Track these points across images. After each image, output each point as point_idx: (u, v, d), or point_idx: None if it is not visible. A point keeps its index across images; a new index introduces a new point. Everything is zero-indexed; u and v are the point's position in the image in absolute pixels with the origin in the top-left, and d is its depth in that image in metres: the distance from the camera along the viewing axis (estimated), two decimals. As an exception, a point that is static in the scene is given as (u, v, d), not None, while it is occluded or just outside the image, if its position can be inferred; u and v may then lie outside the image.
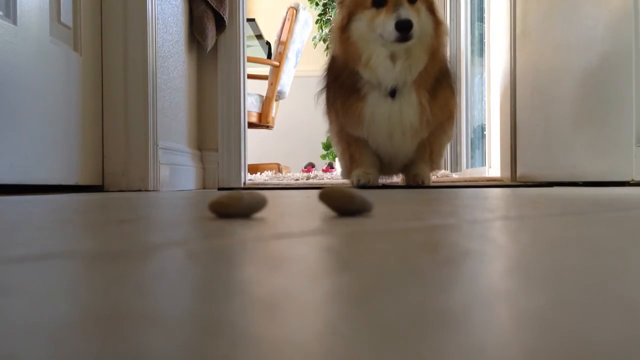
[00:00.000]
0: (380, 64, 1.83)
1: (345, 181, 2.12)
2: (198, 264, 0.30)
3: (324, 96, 2.02)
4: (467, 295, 0.22)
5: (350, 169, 1.99)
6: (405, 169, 2.04)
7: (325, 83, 2.02)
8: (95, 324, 0.18)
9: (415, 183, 2.01)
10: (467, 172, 3.41)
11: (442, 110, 1.93)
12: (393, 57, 1.83)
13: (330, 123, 2.05)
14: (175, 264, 0.31)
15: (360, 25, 1.84)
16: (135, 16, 1.79)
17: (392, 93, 1.85)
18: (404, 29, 1.73)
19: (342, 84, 1.92)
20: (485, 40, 2.95)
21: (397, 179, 2.27)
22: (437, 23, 1.90)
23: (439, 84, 1.92)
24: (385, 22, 1.77)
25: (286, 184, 2.40)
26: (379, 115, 1.87)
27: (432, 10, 1.90)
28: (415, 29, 1.76)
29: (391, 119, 1.87)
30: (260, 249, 0.36)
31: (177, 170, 2.05)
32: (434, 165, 2.12)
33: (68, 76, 1.59)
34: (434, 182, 2.19)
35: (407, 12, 1.76)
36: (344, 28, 1.87)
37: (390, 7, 1.78)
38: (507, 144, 2.51)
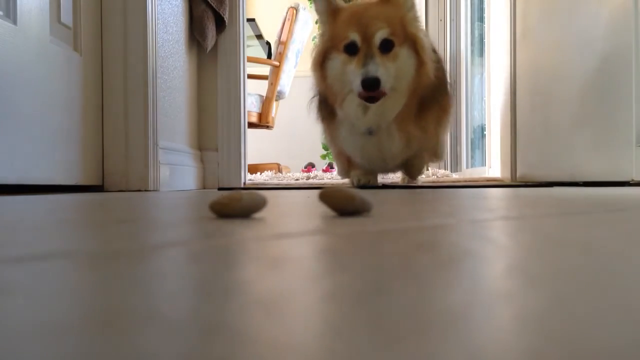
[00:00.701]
0: (353, 111, 1.76)
1: (345, 181, 2.12)
2: (198, 264, 0.30)
3: (315, 103, 1.98)
4: (467, 295, 0.22)
5: (347, 169, 1.99)
6: (403, 166, 2.04)
7: (316, 92, 1.97)
8: (95, 324, 0.18)
9: (410, 177, 2.05)
10: (467, 172, 3.40)
11: (434, 122, 1.89)
12: (364, 107, 1.74)
13: (324, 129, 2.02)
14: (175, 264, 0.31)
15: (334, 67, 1.77)
16: (135, 16, 1.79)
17: (370, 131, 1.80)
18: (371, 86, 1.63)
19: (327, 106, 1.89)
20: (485, 40, 2.95)
21: (396, 177, 2.28)
22: (421, 63, 1.77)
23: (427, 102, 1.85)
24: (354, 75, 1.68)
25: (286, 184, 2.40)
26: (359, 145, 1.84)
27: (416, 49, 1.77)
28: (385, 85, 1.66)
29: (372, 150, 1.84)
30: (260, 249, 0.36)
31: (177, 170, 2.05)
32: (436, 156, 2.11)
33: (68, 76, 1.59)
34: (434, 182, 2.20)
35: (375, 68, 1.65)
36: (321, 64, 1.81)
37: (360, 58, 1.68)
38: (507, 144, 2.51)
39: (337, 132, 1.89)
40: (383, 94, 1.68)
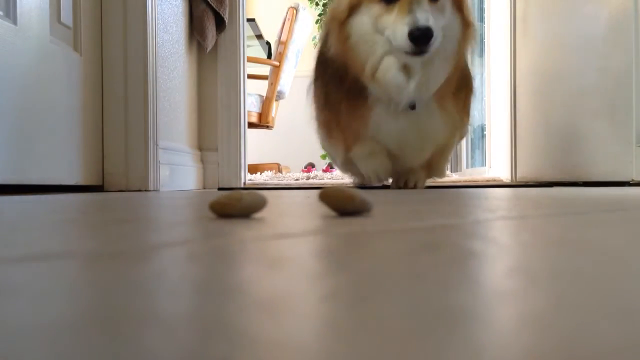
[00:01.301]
0: (391, 79, 1.44)
1: (346, 180, 2.11)
2: (198, 264, 0.30)
3: (320, 84, 1.69)
4: (468, 295, 0.21)
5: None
6: (398, 175, 1.71)
7: (315, 75, 1.69)
8: (95, 324, 0.18)
9: (436, 175, 1.77)
10: (467, 172, 3.40)
11: (464, 108, 1.65)
12: (407, 70, 1.45)
13: (317, 116, 1.73)
14: (175, 264, 0.31)
15: (364, 22, 1.44)
16: (135, 16, 1.79)
17: (412, 106, 1.52)
18: (420, 40, 1.34)
19: (343, 84, 1.56)
20: (485, 40, 2.95)
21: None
22: (466, 24, 1.51)
23: (460, 88, 1.62)
24: (396, 27, 1.37)
25: (286, 184, 2.40)
26: (390, 129, 1.55)
27: (460, 7, 1.49)
28: (436, 39, 1.37)
29: (406, 133, 1.55)
30: (260, 249, 0.36)
31: (177, 170, 2.04)
32: (438, 173, 1.78)
33: (68, 76, 1.59)
34: (434, 182, 2.10)
35: (425, 16, 1.34)
36: (343, 22, 1.47)
37: (405, 4, 1.36)
38: (507, 144, 2.51)
39: (367, 117, 1.54)
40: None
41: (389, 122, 1.54)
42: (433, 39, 1.36)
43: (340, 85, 1.56)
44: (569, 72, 2.05)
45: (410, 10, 1.36)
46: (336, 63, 1.54)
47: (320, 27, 1.74)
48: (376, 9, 1.42)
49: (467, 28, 1.51)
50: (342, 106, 1.58)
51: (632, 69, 1.75)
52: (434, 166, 1.72)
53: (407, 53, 1.39)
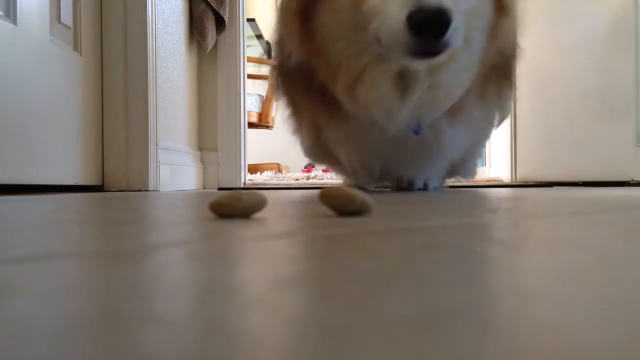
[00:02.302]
0: (376, 99, 1.00)
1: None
2: (198, 264, 0.30)
3: (281, 83, 1.32)
4: (468, 295, 0.21)
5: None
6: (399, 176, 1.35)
7: (277, 79, 1.31)
8: (95, 324, 0.18)
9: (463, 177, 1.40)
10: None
11: (501, 97, 1.26)
12: (403, 82, 1.00)
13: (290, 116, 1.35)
14: (175, 264, 0.31)
15: (334, 11, 0.97)
16: (135, 16, 1.79)
17: (417, 130, 1.10)
18: (427, 28, 0.85)
19: (310, 92, 1.14)
20: (485, 40, 2.94)
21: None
22: (501, 9, 1.03)
23: (491, 81, 1.18)
24: (387, 11, 0.88)
25: (286, 184, 2.40)
26: (375, 150, 1.17)
27: None
28: (456, 29, 0.88)
29: (400, 155, 1.17)
30: (260, 249, 0.36)
31: (177, 170, 2.04)
32: (464, 173, 1.38)
33: (68, 76, 1.59)
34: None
35: None
36: (303, 14, 1.01)
37: None
38: (507, 144, 2.51)
39: (343, 132, 1.14)
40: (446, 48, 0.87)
41: (374, 143, 1.12)
42: (451, 28, 0.85)
43: (307, 94, 1.16)
44: (569, 72, 2.05)
45: None
46: (302, 70, 1.11)
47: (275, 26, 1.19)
48: None
49: (502, 15, 1.03)
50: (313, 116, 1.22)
51: (632, 69, 1.75)
52: (457, 165, 1.34)
53: (405, 54, 0.90)
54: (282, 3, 1.09)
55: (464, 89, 1.04)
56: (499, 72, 1.19)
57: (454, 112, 1.08)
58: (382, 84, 0.99)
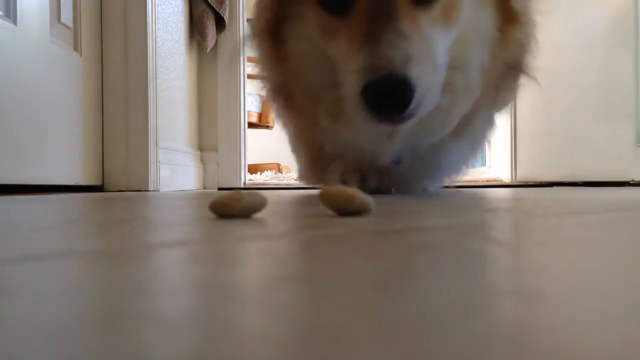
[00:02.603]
0: (364, 131, 0.92)
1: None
2: (198, 264, 0.30)
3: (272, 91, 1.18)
4: (467, 295, 0.21)
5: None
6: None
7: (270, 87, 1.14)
8: (95, 324, 0.18)
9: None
10: (468, 172, 3.40)
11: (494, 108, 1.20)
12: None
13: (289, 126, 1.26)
14: (175, 264, 0.31)
15: (305, 34, 0.89)
16: (135, 16, 1.79)
17: (397, 162, 1.05)
18: (382, 101, 0.77)
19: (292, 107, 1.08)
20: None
21: None
22: (510, 19, 0.91)
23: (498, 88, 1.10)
24: (347, 74, 0.81)
25: (286, 184, 2.41)
26: (370, 170, 1.11)
27: None
28: (425, 89, 0.78)
29: (393, 170, 1.11)
30: (260, 249, 0.36)
31: (177, 170, 2.05)
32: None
33: (68, 76, 1.59)
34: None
35: (399, 50, 0.74)
36: (274, 33, 0.92)
37: (361, 18, 0.78)
38: (507, 144, 2.51)
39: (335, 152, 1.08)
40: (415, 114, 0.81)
41: (369, 166, 1.06)
42: (414, 101, 0.76)
43: (289, 108, 1.07)
44: (569, 72, 2.06)
45: (369, 35, 0.75)
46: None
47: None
48: (317, 18, 0.85)
49: (511, 26, 0.91)
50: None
51: (632, 69, 1.75)
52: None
53: (367, 121, 0.82)
54: (256, 20, 0.99)
55: (466, 109, 0.97)
56: (507, 79, 1.12)
57: (458, 129, 1.02)
58: (364, 130, 0.91)
